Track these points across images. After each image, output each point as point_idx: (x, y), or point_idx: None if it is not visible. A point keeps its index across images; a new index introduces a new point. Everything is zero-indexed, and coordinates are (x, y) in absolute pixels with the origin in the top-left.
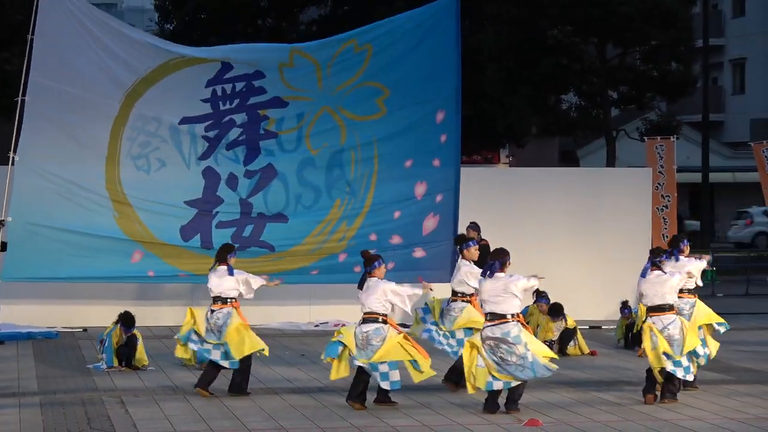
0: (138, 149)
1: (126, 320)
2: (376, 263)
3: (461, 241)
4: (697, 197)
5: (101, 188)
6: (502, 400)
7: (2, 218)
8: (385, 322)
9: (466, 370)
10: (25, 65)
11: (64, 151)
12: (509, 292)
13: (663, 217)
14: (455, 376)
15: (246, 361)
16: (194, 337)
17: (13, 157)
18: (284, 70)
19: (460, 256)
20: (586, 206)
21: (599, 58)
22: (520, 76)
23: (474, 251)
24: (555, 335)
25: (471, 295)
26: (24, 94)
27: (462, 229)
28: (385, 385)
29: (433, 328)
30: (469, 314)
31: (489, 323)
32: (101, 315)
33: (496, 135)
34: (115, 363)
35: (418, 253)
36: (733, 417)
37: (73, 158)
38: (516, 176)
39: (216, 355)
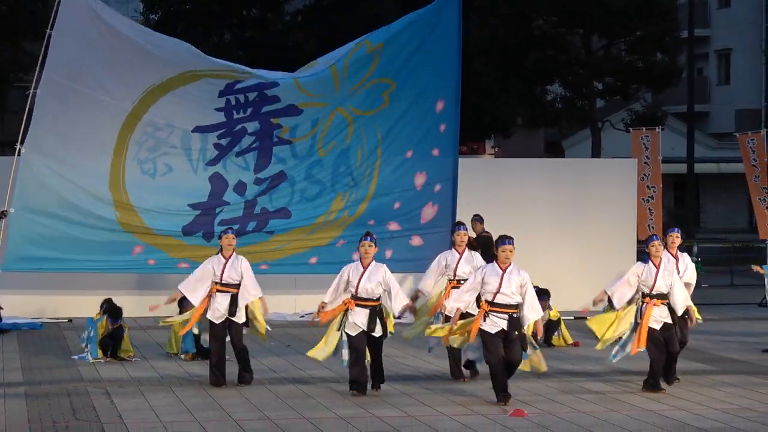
0: (146, 153)
1: (113, 312)
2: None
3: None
4: (683, 188)
5: (104, 190)
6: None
7: (5, 209)
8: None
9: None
10: (40, 59)
11: (70, 148)
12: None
13: (648, 208)
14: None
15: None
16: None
17: (19, 149)
18: (300, 80)
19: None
20: (571, 197)
21: (585, 50)
22: (507, 67)
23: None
24: None
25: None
26: (36, 88)
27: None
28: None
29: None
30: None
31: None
32: (87, 306)
33: (482, 126)
34: (100, 354)
35: (416, 241)
36: (717, 407)
37: (78, 157)
38: (501, 167)
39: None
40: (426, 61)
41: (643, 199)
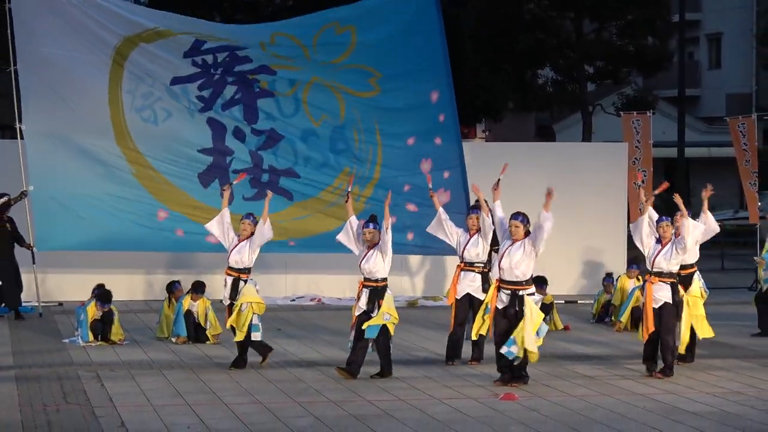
0: (141, 101)
1: (102, 296)
2: (370, 224)
3: None
4: (673, 172)
5: (112, 145)
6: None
7: (24, 189)
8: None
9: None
10: (10, 35)
11: (68, 112)
12: None
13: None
14: (476, 353)
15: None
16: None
17: (20, 128)
18: (267, 46)
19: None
20: (562, 181)
21: (575, 33)
22: (497, 51)
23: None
24: None
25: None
26: (15, 64)
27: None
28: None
29: None
30: None
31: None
32: (77, 288)
33: (473, 110)
34: (90, 338)
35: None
36: (708, 391)
37: (77, 119)
38: (492, 151)
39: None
40: (410, 51)
41: (633, 183)
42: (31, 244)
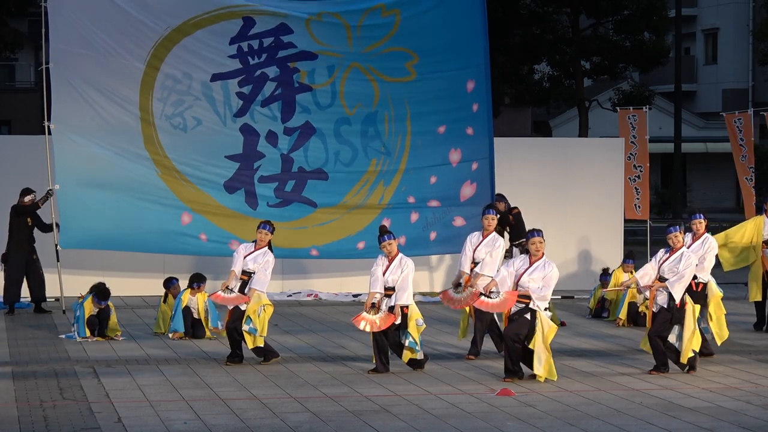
0: (171, 108)
1: (100, 293)
2: (386, 237)
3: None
4: (670, 167)
5: (140, 148)
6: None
7: (50, 188)
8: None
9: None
10: (43, 33)
11: (97, 114)
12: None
13: (635, 188)
14: (474, 349)
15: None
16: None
17: (48, 126)
18: (312, 25)
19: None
20: (558, 176)
21: (572, 28)
22: (493, 45)
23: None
24: None
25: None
26: (48, 62)
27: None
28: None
29: None
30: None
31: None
32: (74, 285)
33: None
34: (87, 333)
35: (459, 221)
36: (703, 387)
37: (107, 120)
38: None
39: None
40: (451, 38)
41: (629, 178)
42: (55, 242)
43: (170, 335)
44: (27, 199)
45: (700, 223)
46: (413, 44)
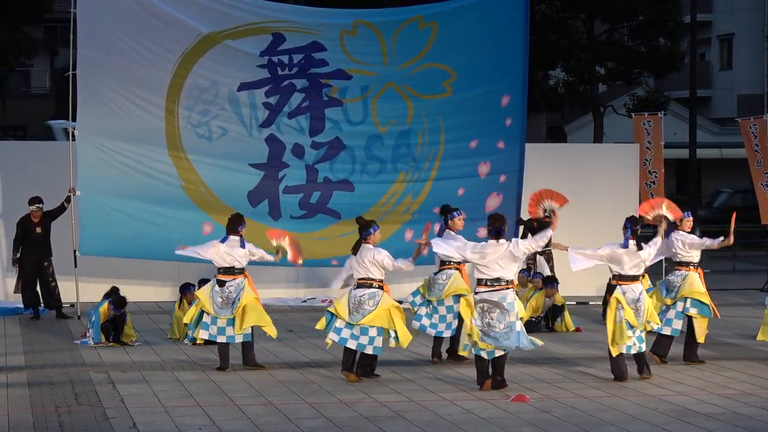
0: (197, 117)
1: (117, 302)
2: (371, 230)
3: (446, 212)
4: (685, 173)
5: (164, 155)
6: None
7: (71, 187)
8: (380, 287)
9: (466, 322)
10: (71, 39)
11: (122, 122)
12: (512, 256)
13: (650, 193)
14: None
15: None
16: (205, 319)
17: (73, 132)
18: (346, 39)
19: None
20: (573, 182)
21: (587, 34)
22: None
23: (459, 221)
24: (542, 313)
25: (459, 263)
26: (74, 69)
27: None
28: (368, 350)
29: (424, 317)
30: (456, 282)
31: (486, 288)
32: (90, 291)
33: None
34: (102, 339)
35: (482, 233)
36: (719, 393)
37: (132, 128)
38: None
39: (230, 332)
40: (490, 53)
41: (645, 183)
42: (74, 248)
43: (186, 342)
44: (31, 209)
45: (688, 220)
46: (451, 60)
